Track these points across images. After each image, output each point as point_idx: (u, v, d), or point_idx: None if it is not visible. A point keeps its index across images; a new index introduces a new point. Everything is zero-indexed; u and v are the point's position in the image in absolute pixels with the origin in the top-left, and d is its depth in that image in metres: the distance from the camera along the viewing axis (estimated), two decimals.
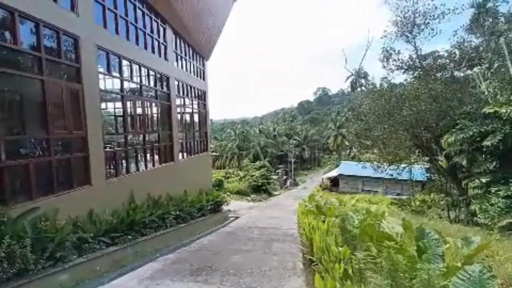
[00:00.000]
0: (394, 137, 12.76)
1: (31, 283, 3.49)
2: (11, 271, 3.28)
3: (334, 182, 34.11)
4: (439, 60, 13.69)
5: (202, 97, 16.50)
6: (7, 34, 5.10)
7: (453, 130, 10.67)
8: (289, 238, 7.28)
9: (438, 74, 13.18)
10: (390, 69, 13.32)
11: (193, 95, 15.02)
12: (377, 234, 3.02)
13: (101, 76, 7.64)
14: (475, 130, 9.84)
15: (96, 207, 6.53)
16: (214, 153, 41.82)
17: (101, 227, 5.74)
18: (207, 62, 17.39)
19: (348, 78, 54.96)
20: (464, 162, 12.45)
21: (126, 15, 8.82)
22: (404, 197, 22.31)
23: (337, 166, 39.70)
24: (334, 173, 35.67)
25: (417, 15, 12.56)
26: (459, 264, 2.59)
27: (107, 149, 7.94)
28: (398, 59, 13.07)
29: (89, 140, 6.73)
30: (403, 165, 14.80)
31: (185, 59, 14.17)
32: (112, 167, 8.13)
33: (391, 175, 14.98)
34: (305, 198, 14.27)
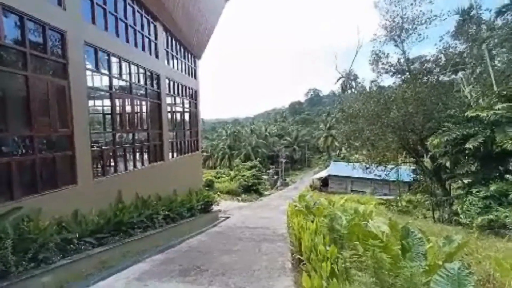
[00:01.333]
0: (383, 139, 13.06)
1: (12, 285, 3.38)
2: None
3: (324, 183, 34.55)
4: (426, 65, 14.12)
5: (193, 96, 16.36)
6: None
7: (438, 132, 11.04)
8: (279, 238, 7.34)
9: (425, 78, 13.59)
10: (379, 72, 13.66)
11: (184, 94, 14.88)
12: (364, 233, 3.09)
13: (89, 72, 7.46)
14: (458, 133, 10.21)
15: (82, 207, 6.37)
16: (205, 153, 41.52)
17: (87, 227, 5.61)
18: (199, 61, 17.27)
19: (338, 80, 55.77)
20: (448, 164, 12.89)
21: (116, 11, 8.64)
22: (391, 197, 22.85)
23: (327, 166, 40.25)
24: (324, 173, 36.14)
25: (405, 20, 12.93)
26: (440, 262, 2.69)
27: (95, 148, 7.76)
28: (387, 63, 13.40)
29: (75, 138, 6.56)
30: (390, 166, 15.17)
31: (177, 58, 14.02)
32: (99, 166, 7.95)
33: (379, 175, 15.32)
34: (295, 198, 14.40)
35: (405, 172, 19.10)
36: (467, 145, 9.82)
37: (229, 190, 26.87)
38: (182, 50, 14.74)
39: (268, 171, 41.94)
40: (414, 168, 17.89)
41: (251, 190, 29.40)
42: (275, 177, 41.99)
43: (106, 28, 8.16)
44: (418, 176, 16.74)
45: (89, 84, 7.53)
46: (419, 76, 13.65)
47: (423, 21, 12.98)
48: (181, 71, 14.62)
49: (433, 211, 13.76)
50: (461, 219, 9.87)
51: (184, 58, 15.07)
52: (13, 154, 5.31)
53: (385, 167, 14.54)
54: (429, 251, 2.98)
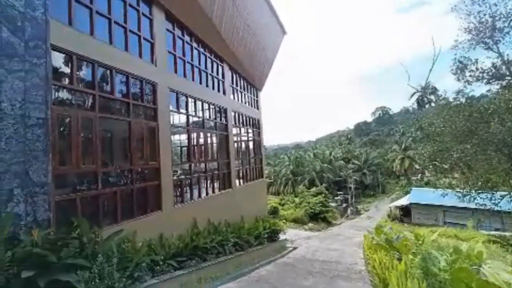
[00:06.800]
0: (482, 159, 10.52)
1: None
2: (101, 287, 3.76)
3: (405, 212, 29.70)
4: None
5: (256, 125, 17.22)
6: (106, 86, 6.46)
7: None
8: (356, 275, 6.49)
9: None
10: (467, 81, 11.46)
11: (248, 124, 15.83)
12: (479, 283, 2.42)
13: (171, 113, 8.81)
14: None
15: (165, 231, 7.14)
16: (268, 179, 41.96)
17: (169, 250, 6.19)
18: (260, 92, 18.35)
19: (413, 95, 49.94)
20: None
21: (192, 60, 10.23)
22: (507, 233, 17.73)
23: (407, 193, 34.83)
24: (404, 201, 31.24)
25: (497, 18, 10.86)
26: None
27: (174, 177, 8.81)
28: (477, 69, 11.18)
29: (161, 169, 7.64)
30: (501, 193, 11.87)
31: (240, 92, 15.28)
32: (178, 194, 8.92)
33: (484, 205, 12.11)
34: (371, 229, 12.78)
35: None
36: None
37: (294, 218, 25.90)
38: (245, 84, 16.03)
39: (335, 198, 38.96)
40: None
41: (318, 218, 27.61)
42: (344, 204, 38.54)
43: (184, 75, 9.68)
44: None
45: (171, 122, 8.85)
46: None
47: None
48: (245, 103, 15.76)
49: None
50: None
51: (247, 91, 16.29)
52: (117, 184, 6.50)
53: (492, 194, 11.44)
54: None
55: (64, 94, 5.52)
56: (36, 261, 3.40)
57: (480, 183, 11.19)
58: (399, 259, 5.50)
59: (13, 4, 4.17)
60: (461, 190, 12.08)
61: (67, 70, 5.49)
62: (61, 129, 5.37)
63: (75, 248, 3.86)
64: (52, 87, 4.85)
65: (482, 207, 12.42)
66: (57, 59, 5.28)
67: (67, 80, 5.50)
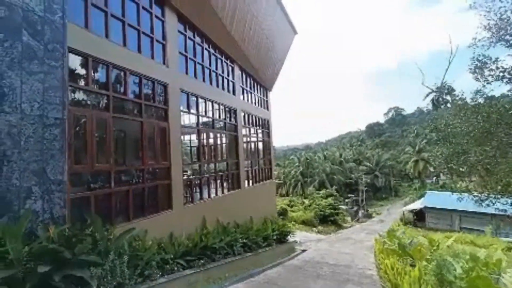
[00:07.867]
0: (502, 162, 10.05)
1: None
2: (113, 284, 3.85)
3: (419, 216, 28.83)
4: None
5: (265, 125, 17.19)
6: (120, 87, 6.61)
7: None
8: (366, 280, 6.35)
9: None
10: (486, 80, 10.97)
11: (257, 124, 15.82)
12: None
13: (182, 113, 8.92)
14: None
15: (175, 231, 7.24)
16: (277, 180, 41.82)
17: (179, 249, 6.26)
18: (270, 93, 18.31)
19: (427, 95, 48.56)
20: None
21: (203, 61, 10.33)
22: None
23: (421, 196, 33.82)
24: (417, 204, 30.33)
25: None
26: None
27: (184, 177, 8.91)
28: (497, 68, 10.68)
29: (172, 169, 7.74)
30: None
31: (250, 92, 15.30)
32: (188, 193, 9.01)
33: (504, 210, 11.56)
34: (383, 233, 12.50)
35: None
36: None
37: (304, 220, 25.67)
38: (255, 84, 16.03)
39: (346, 200, 38.37)
40: None
41: (328, 221, 27.23)
42: (355, 207, 37.87)
43: (195, 76, 9.78)
44: None
45: (182, 122, 8.96)
46: None
47: None
48: (254, 103, 15.76)
49: None
50: None
51: (257, 91, 16.28)
52: (130, 183, 6.64)
53: None
54: None
55: (80, 95, 5.70)
56: (52, 256, 3.52)
57: (499, 187, 10.70)
58: (412, 265, 5.34)
59: (34, 9, 4.34)
60: (479, 195, 11.60)
61: (83, 71, 5.66)
62: (77, 129, 5.54)
63: (88, 245, 3.97)
64: (68, 89, 5.02)
65: (502, 213, 11.88)
66: (74, 61, 5.45)
67: (83, 82, 5.67)
